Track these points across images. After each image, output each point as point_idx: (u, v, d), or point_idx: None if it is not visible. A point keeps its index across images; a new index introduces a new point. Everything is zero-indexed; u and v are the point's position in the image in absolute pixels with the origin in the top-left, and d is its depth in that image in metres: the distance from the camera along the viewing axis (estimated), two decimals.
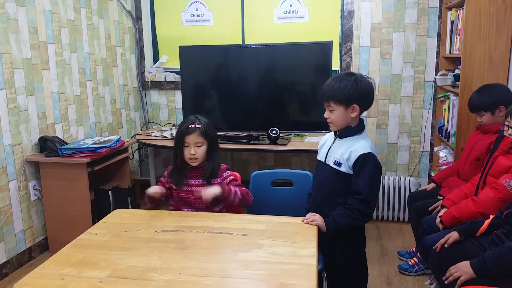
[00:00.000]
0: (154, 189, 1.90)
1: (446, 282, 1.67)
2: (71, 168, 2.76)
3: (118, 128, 3.83)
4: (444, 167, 2.89)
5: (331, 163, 1.77)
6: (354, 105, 1.70)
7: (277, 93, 3.29)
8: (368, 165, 1.68)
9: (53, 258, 1.42)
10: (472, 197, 2.03)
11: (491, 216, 1.83)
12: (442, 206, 2.23)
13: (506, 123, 1.95)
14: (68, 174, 2.76)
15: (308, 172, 2.15)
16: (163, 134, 3.43)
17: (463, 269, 1.64)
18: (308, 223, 1.66)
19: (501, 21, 2.55)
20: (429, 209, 2.36)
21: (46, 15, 2.88)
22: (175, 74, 4.02)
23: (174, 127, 3.55)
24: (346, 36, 3.62)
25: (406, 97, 3.64)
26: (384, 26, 3.56)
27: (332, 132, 1.84)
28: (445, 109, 3.22)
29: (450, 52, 3.18)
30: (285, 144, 3.06)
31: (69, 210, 2.81)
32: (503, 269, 1.58)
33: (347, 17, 3.60)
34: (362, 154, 1.68)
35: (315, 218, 1.67)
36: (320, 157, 1.86)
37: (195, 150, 1.88)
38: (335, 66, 3.65)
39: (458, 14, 2.95)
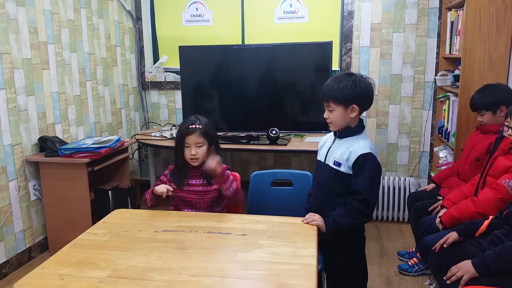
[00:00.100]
0: (162, 188, 1.85)
1: (448, 282, 1.67)
2: (71, 168, 2.76)
3: (118, 128, 3.83)
4: (444, 167, 2.89)
5: (330, 163, 1.77)
6: (354, 105, 1.70)
7: (277, 93, 3.29)
8: (367, 165, 1.68)
9: (53, 258, 1.42)
10: (471, 197, 2.03)
11: (491, 217, 1.83)
12: (442, 207, 2.23)
13: (506, 123, 1.95)
14: (68, 174, 2.76)
15: (308, 172, 2.15)
16: (163, 134, 3.43)
17: (465, 268, 1.64)
18: (308, 223, 1.67)
19: (501, 21, 2.56)
20: (428, 210, 2.36)
21: (46, 15, 2.89)
22: (175, 74, 4.02)
23: (174, 127, 3.55)
24: (346, 36, 3.62)
25: (406, 97, 3.64)
26: (384, 26, 3.56)
27: (332, 132, 1.84)
28: (445, 109, 3.22)
29: (450, 53, 3.18)
30: (285, 144, 3.06)
31: (69, 210, 2.81)
32: (504, 267, 1.59)
33: (347, 18, 3.60)
34: (361, 154, 1.68)
35: (315, 218, 1.68)
36: (320, 157, 1.87)
37: (195, 151, 1.88)
38: (335, 66, 3.65)
39: (458, 15, 2.95)
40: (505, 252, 1.58)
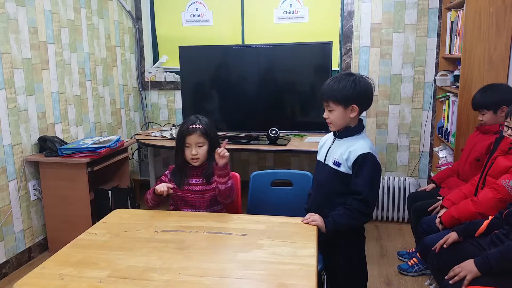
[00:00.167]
0: (163, 187, 1.86)
1: (451, 282, 1.67)
2: (71, 168, 2.76)
3: (117, 128, 3.83)
4: (443, 167, 2.89)
5: (330, 163, 1.77)
6: (353, 105, 1.71)
7: (277, 94, 3.29)
8: (367, 165, 1.68)
9: (53, 258, 1.42)
10: (471, 197, 2.03)
11: (490, 217, 1.83)
12: (442, 207, 2.23)
13: (505, 123, 1.95)
14: (67, 174, 2.76)
15: (307, 173, 2.15)
16: (163, 134, 3.43)
17: (468, 268, 1.64)
18: (308, 223, 1.67)
19: (501, 21, 2.56)
20: (428, 210, 2.36)
21: (46, 15, 2.89)
22: (175, 74, 4.02)
23: (173, 127, 3.55)
24: (346, 36, 3.62)
25: (405, 97, 3.64)
26: (384, 26, 3.56)
27: (332, 133, 1.84)
28: (444, 109, 3.22)
29: (449, 53, 3.18)
30: (285, 145, 3.06)
31: (69, 210, 2.81)
32: (507, 266, 1.59)
33: (347, 18, 3.60)
34: (361, 154, 1.68)
35: (315, 218, 1.68)
36: (320, 157, 1.87)
37: (196, 150, 1.88)
38: (335, 66, 3.66)
39: (458, 15, 2.95)
40: (508, 251, 1.58)
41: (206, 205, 1.93)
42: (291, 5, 3.76)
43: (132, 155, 3.96)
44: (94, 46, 3.43)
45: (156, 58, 4.20)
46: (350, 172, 1.71)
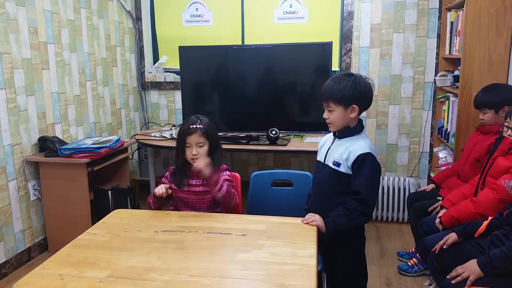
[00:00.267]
0: (161, 189, 1.86)
1: (453, 282, 1.67)
2: (71, 168, 2.76)
3: (117, 128, 3.83)
4: (443, 168, 2.89)
5: (330, 163, 1.77)
6: (354, 105, 1.71)
7: (276, 94, 3.29)
8: (366, 165, 1.68)
9: (53, 258, 1.42)
10: (471, 197, 2.03)
11: (490, 217, 1.83)
12: (442, 207, 2.23)
13: (505, 123, 1.95)
14: (67, 174, 2.76)
15: (308, 173, 2.15)
16: (163, 135, 3.43)
17: (471, 268, 1.64)
18: (308, 223, 1.67)
19: (501, 22, 2.56)
20: (428, 210, 2.36)
21: (46, 15, 2.89)
22: (175, 75, 4.02)
23: (173, 128, 3.55)
24: (346, 36, 3.62)
25: (405, 97, 3.64)
26: (384, 27, 3.56)
27: (332, 133, 1.84)
28: (444, 110, 3.22)
29: (449, 53, 3.18)
30: (285, 145, 3.06)
31: (69, 210, 2.81)
32: (509, 267, 1.59)
33: (347, 18, 3.60)
34: (360, 154, 1.69)
35: (315, 218, 1.68)
36: (320, 157, 1.87)
37: (196, 150, 1.88)
38: (335, 66, 3.66)
39: (458, 15, 2.95)
40: (511, 251, 1.58)
41: (206, 206, 1.92)
42: (291, 5, 3.77)
43: (132, 155, 3.96)
44: (94, 46, 3.43)
45: (156, 58, 4.20)
46: (350, 172, 1.71)
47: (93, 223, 2.12)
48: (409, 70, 3.59)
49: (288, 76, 3.27)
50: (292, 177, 2.19)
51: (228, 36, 3.93)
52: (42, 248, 2.91)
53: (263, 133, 3.19)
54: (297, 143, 3.15)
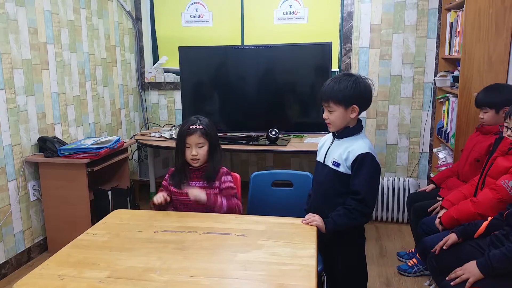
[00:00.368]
0: (160, 198, 1.87)
1: (452, 283, 1.66)
2: (71, 169, 2.75)
3: (117, 128, 3.83)
4: (443, 168, 2.89)
5: (329, 163, 1.78)
6: (354, 105, 1.71)
7: (276, 94, 3.29)
8: (366, 165, 1.68)
9: (53, 258, 1.42)
10: (471, 198, 2.03)
11: (489, 218, 1.83)
12: (441, 207, 2.23)
13: (505, 124, 1.95)
14: (67, 174, 2.76)
15: (308, 173, 2.15)
16: (163, 135, 3.43)
17: (470, 270, 1.63)
18: (308, 224, 1.67)
19: (500, 22, 2.56)
20: (428, 210, 2.36)
21: (45, 16, 2.89)
22: (175, 75, 4.02)
23: (173, 128, 3.55)
24: (346, 37, 3.62)
25: (405, 98, 3.64)
26: (384, 27, 3.56)
27: (331, 133, 1.84)
28: (444, 110, 3.22)
29: (449, 54, 3.18)
30: (285, 145, 3.06)
31: (69, 210, 2.81)
32: (509, 268, 1.59)
33: (346, 18, 3.60)
34: (360, 154, 1.69)
35: (315, 219, 1.67)
36: (319, 158, 1.87)
37: (196, 151, 1.88)
38: (335, 67, 3.66)
39: (458, 16, 2.95)
40: (510, 252, 1.58)
41: (206, 209, 1.92)
42: (291, 5, 3.77)
43: (132, 156, 3.96)
44: (94, 46, 3.43)
45: (156, 58, 4.20)
46: (350, 172, 1.71)
47: (93, 224, 2.12)
48: (409, 70, 3.59)
49: (288, 76, 3.28)
50: (292, 177, 2.19)
51: (228, 37, 3.93)
52: (42, 249, 2.91)
53: (263, 134, 3.19)
54: (297, 143, 3.15)
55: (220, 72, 3.40)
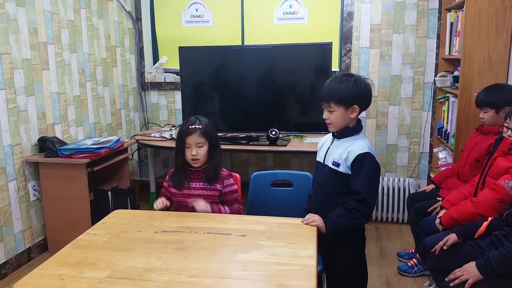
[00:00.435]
0: (160, 204, 1.90)
1: (451, 284, 1.66)
2: (71, 169, 2.75)
3: (117, 128, 3.83)
4: (443, 168, 2.89)
5: (329, 163, 1.78)
6: (355, 105, 1.71)
7: (276, 94, 3.29)
8: (366, 165, 1.68)
9: (53, 258, 1.42)
10: (471, 198, 2.03)
11: (490, 218, 1.83)
12: (441, 207, 2.23)
13: (505, 124, 1.95)
14: (67, 174, 2.76)
15: (308, 173, 2.15)
16: (163, 135, 3.43)
17: (469, 271, 1.63)
18: (308, 224, 1.67)
19: (501, 22, 2.56)
20: (428, 210, 2.36)
21: (46, 16, 2.89)
22: (175, 75, 4.02)
23: (173, 128, 3.55)
24: (346, 37, 3.62)
25: (405, 98, 3.64)
26: (384, 27, 3.56)
27: (331, 133, 1.84)
28: (444, 110, 3.22)
29: (449, 54, 3.18)
30: (285, 145, 3.06)
31: (69, 210, 2.81)
32: (508, 268, 1.59)
33: (346, 19, 3.60)
34: (359, 154, 1.69)
35: (315, 219, 1.67)
36: (319, 158, 1.87)
37: (196, 151, 1.88)
38: (335, 67, 3.66)
39: (458, 16, 2.95)
40: (510, 253, 1.57)
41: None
42: (291, 6, 3.77)
43: (132, 156, 3.96)
44: (94, 46, 3.43)
45: (156, 58, 4.20)
46: (349, 172, 1.72)
47: (93, 224, 2.13)
48: (409, 70, 3.59)
49: (288, 76, 3.28)
50: (292, 177, 2.19)
51: (228, 37, 3.93)
52: (42, 249, 2.91)
53: (263, 134, 3.19)
54: (297, 143, 3.15)
55: (220, 72, 3.40)
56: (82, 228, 1.76)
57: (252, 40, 3.87)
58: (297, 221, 1.70)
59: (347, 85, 1.69)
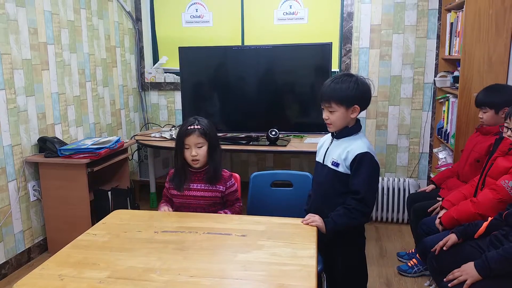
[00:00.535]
0: (163, 210, 1.93)
1: (450, 285, 1.66)
2: (71, 169, 2.75)
3: (117, 129, 3.83)
4: (443, 168, 2.90)
5: (329, 163, 1.78)
6: (355, 105, 1.71)
7: (276, 94, 3.29)
8: (365, 164, 1.69)
9: (53, 258, 1.42)
10: (471, 198, 2.03)
11: (489, 218, 1.83)
12: (441, 208, 2.23)
13: (505, 124, 1.95)
14: (67, 174, 2.76)
15: (307, 173, 2.15)
16: (163, 135, 3.43)
17: (468, 271, 1.63)
18: (308, 224, 1.67)
19: (500, 22, 2.56)
20: (428, 211, 2.36)
21: (46, 16, 2.89)
22: (175, 75, 4.02)
23: (173, 128, 3.55)
24: (346, 37, 3.62)
25: (405, 98, 3.64)
26: (384, 27, 3.56)
27: (330, 133, 1.84)
28: (444, 110, 3.23)
29: (449, 54, 3.18)
30: (285, 145, 3.06)
31: (69, 210, 2.81)
32: (506, 269, 1.59)
33: (346, 19, 3.60)
34: (358, 154, 1.69)
35: (315, 219, 1.67)
36: (319, 158, 1.87)
37: (196, 151, 1.87)
38: (335, 67, 3.66)
39: (458, 16, 2.96)
40: (508, 253, 1.57)
41: (207, 211, 1.92)
42: (291, 6, 3.77)
43: (132, 156, 3.96)
44: (94, 47, 3.43)
45: (156, 59, 4.20)
46: (349, 172, 1.72)
47: (93, 224, 2.13)
48: (409, 71, 3.59)
49: (288, 76, 3.28)
50: (291, 177, 2.19)
51: (228, 37, 3.93)
52: (42, 249, 2.91)
53: (263, 134, 3.19)
54: (297, 143, 3.16)
55: (220, 73, 3.40)
56: (82, 228, 1.76)
57: (252, 40, 3.88)
58: (297, 221, 1.70)
59: (348, 85, 1.69)
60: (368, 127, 3.72)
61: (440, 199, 2.36)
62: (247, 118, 3.36)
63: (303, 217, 1.71)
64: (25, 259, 2.78)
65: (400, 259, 2.77)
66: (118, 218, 1.79)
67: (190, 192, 1.91)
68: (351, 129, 1.76)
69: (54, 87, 2.99)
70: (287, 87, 3.30)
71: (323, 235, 1.66)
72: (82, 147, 2.82)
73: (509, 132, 1.92)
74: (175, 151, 1.93)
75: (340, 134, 1.78)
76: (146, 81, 4.09)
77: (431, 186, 2.66)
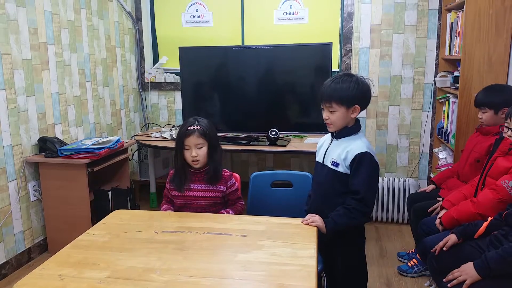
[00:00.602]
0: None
1: (449, 285, 1.66)
2: (71, 169, 2.76)
3: (117, 129, 3.83)
4: (443, 168, 2.89)
5: (328, 163, 1.78)
6: (356, 105, 1.71)
7: (276, 94, 3.29)
8: (364, 164, 1.69)
9: (53, 258, 1.42)
10: (471, 198, 2.03)
11: (489, 218, 1.83)
12: (442, 208, 2.23)
13: (505, 124, 1.95)
14: (67, 174, 2.76)
15: (307, 173, 2.15)
16: (163, 135, 3.43)
17: (467, 272, 1.63)
18: (308, 224, 1.67)
19: (501, 23, 2.56)
20: (428, 211, 2.36)
21: (46, 16, 2.89)
22: (175, 75, 4.03)
23: (173, 128, 3.55)
24: (346, 37, 3.62)
25: (405, 98, 3.64)
26: (384, 27, 3.56)
27: (330, 133, 1.84)
28: (444, 110, 3.22)
29: (449, 54, 3.18)
30: (285, 145, 3.06)
31: (69, 210, 2.81)
32: (506, 269, 1.59)
33: (346, 19, 3.60)
34: (358, 154, 1.69)
35: (315, 219, 1.68)
36: (318, 158, 1.87)
37: (196, 152, 1.87)
38: (335, 67, 3.66)
39: (458, 16, 2.96)
40: (507, 253, 1.57)
41: (208, 211, 1.92)
42: (291, 6, 3.77)
43: (132, 156, 3.96)
44: (94, 47, 3.43)
45: (156, 59, 4.20)
46: (348, 171, 1.72)
47: (93, 224, 2.13)
48: (409, 71, 3.59)
49: (288, 76, 3.28)
50: (291, 177, 2.19)
51: (228, 37, 3.93)
52: (42, 249, 2.91)
53: (263, 134, 3.19)
54: (297, 143, 3.16)
55: (220, 73, 3.40)
56: (82, 228, 1.76)
57: (252, 40, 3.88)
58: (297, 221, 1.70)
59: (349, 85, 1.69)
60: (368, 127, 3.72)
61: (440, 199, 2.36)
62: (247, 118, 3.36)
63: (303, 217, 1.71)
64: (25, 259, 2.78)
65: (400, 259, 2.77)
66: (118, 218, 1.79)
67: (191, 193, 1.91)
68: (350, 129, 1.76)
69: (54, 87, 2.99)
70: (287, 87, 3.30)
71: (323, 235, 1.66)
72: (82, 147, 2.82)
73: (509, 132, 1.92)
74: (175, 152, 1.93)
75: (340, 134, 1.78)
76: (146, 81, 4.09)
77: (431, 186, 2.66)
